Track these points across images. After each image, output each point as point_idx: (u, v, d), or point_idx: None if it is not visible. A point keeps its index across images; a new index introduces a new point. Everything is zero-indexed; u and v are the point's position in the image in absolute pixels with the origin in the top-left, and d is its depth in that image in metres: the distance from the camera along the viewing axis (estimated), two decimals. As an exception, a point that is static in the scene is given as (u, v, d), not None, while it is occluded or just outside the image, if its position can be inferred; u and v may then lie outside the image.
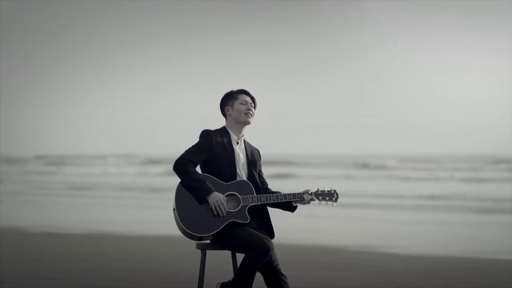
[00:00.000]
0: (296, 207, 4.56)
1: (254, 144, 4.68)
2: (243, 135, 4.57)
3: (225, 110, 4.56)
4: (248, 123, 4.54)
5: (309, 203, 4.54)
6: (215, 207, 4.27)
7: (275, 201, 4.46)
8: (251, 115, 4.53)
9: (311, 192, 4.56)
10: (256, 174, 4.55)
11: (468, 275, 7.05)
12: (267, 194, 4.46)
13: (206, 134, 4.46)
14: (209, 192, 4.28)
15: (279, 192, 4.54)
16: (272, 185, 4.81)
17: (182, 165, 4.34)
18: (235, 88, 4.60)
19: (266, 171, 4.83)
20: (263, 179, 4.64)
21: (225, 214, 4.29)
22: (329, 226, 13.06)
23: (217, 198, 4.27)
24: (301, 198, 4.50)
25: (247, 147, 4.58)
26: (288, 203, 4.53)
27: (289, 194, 4.49)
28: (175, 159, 4.38)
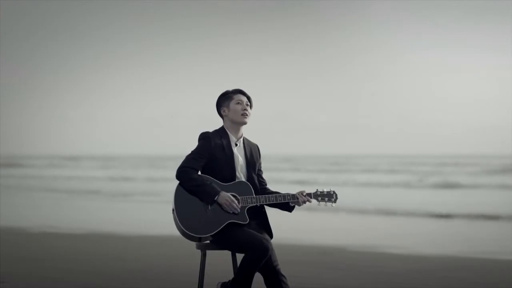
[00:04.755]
0: (293, 207, 4.56)
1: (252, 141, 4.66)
2: (241, 135, 4.56)
3: (221, 111, 4.54)
4: (244, 123, 4.52)
5: (304, 203, 4.52)
6: (227, 206, 4.27)
7: (274, 202, 4.46)
8: (247, 115, 4.52)
9: (309, 193, 4.55)
10: (255, 176, 4.54)
11: (468, 275, 7.05)
12: (266, 195, 4.45)
13: (205, 137, 4.45)
14: (217, 193, 4.28)
15: (278, 193, 4.54)
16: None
17: (184, 173, 4.33)
18: (232, 88, 4.58)
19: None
20: (262, 178, 4.63)
21: (239, 210, 4.30)
22: (329, 226, 13.06)
23: (225, 197, 4.28)
24: (295, 199, 4.49)
25: (246, 147, 4.56)
26: (286, 203, 4.52)
27: (288, 195, 4.49)
28: (177, 168, 4.38)
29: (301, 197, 4.49)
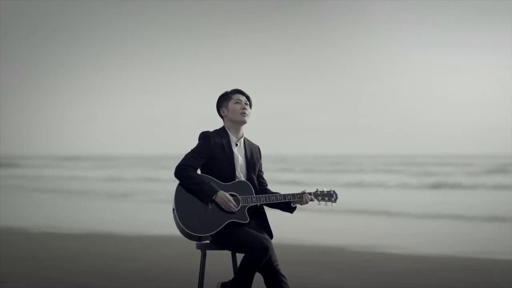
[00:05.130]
0: (295, 208, 4.55)
1: (253, 141, 4.65)
2: (242, 135, 4.56)
3: (221, 112, 4.54)
4: (244, 122, 4.51)
5: (307, 203, 4.52)
6: (223, 205, 4.27)
7: (274, 201, 4.45)
8: (246, 114, 4.51)
9: (310, 193, 4.55)
10: (254, 177, 4.53)
11: (468, 275, 7.05)
12: (267, 195, 4.45)
13: (205, 136, 4.45)
14: (215, 192, 4.28)
15: (278, 193, 4.53)
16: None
17: (183, 171, 4.33)
18: (231, 88, 4.58)
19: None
20: (263, 179, 4.62)
21: (236, 209, 4.30)
22: (329, 226, 13.06)
23: (223, 196, 4.28)
24: (299, 198, 4.49)
25: (246, 147, 4.55)
26: (287, 204, 4.52)
27: (288, 195, 4.48)
28: (176, 166, 4.38)
29: (305, 196, 4.49)
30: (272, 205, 4.51)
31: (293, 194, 4.49)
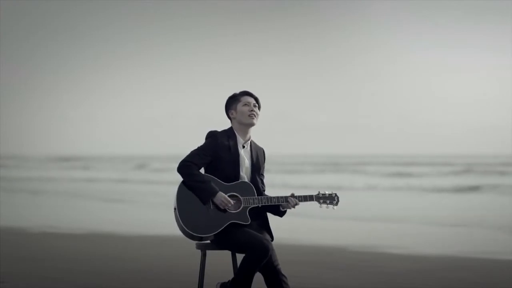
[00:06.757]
0: (285, 212, 4.54)
1: (258, 144, 4.65)
2: (249, 138, 4.55)
3: (230, 114, 4.54)
4: (253, 124, 4.51)
5: (294, 207, 4.48)
6: (222, 206, 4.28)
7: (276, 203, 4.45)
8: (255, 116, 4.51)
9: (311, 195, 4.52)
10: (259, 179, 4.53)
11: (468, 275, 7.05)
12: (268, 196, 4.45)
13: (212, 136, 4.46)
14: (214, 193, 4.28)
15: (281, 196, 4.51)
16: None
17: (186, 167, 4.34)
18: (237, 90, 4.59)
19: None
20: (263, 183, 4.59)
21: (233, 206, 4.29)
22: (329, 226, 13.05)
23: (221, 197, 4.29)
24: (286, 201, 4.46)
25: (253, 150, 4.55)
26: (276, 208, 4.49)
27: (281, 197, 4.46)
28: (180, 160, 4.38)
29: (291, 200, 4.46)
30: (266, 208, 4.49)
31: (285, 197, 4.46)
